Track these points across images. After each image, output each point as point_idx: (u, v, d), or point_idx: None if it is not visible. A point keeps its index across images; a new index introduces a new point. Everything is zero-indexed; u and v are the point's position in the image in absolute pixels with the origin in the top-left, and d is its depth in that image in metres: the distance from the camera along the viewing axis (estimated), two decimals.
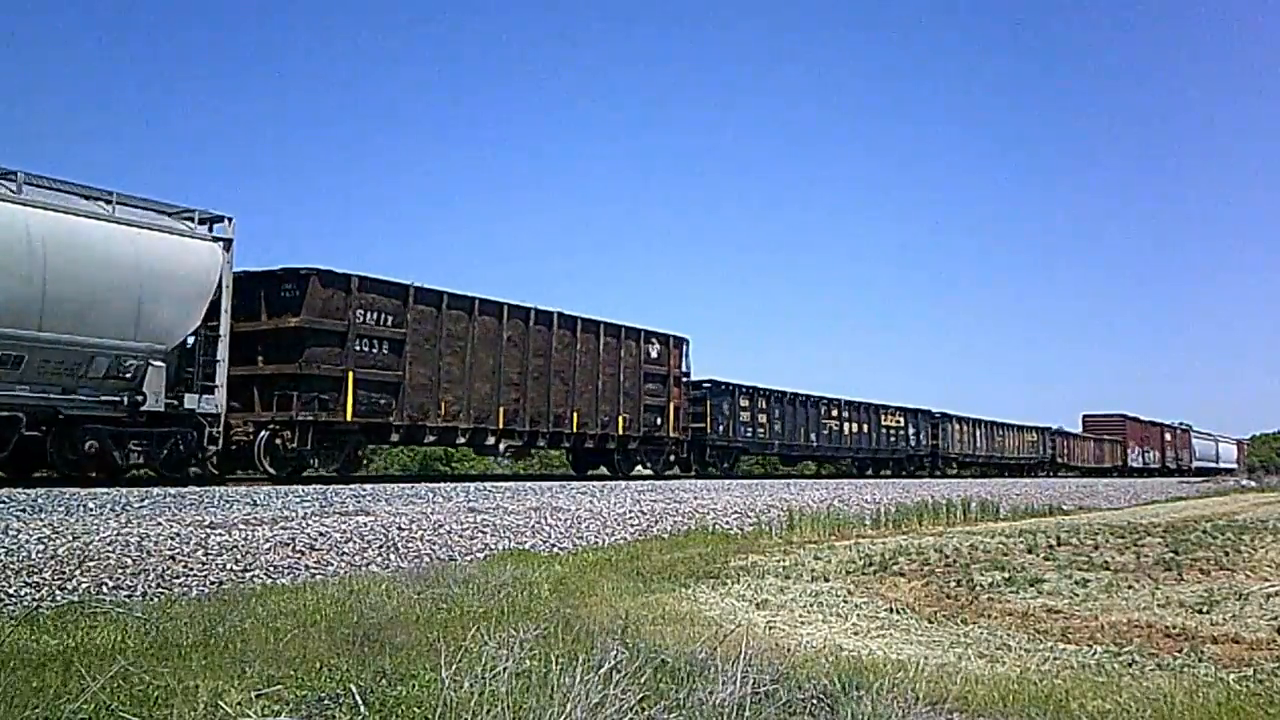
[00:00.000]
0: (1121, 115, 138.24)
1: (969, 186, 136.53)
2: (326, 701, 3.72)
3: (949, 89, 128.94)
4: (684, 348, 23.56)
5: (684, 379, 23.60)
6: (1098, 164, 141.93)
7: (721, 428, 26.04)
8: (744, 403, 27.14)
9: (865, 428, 33.59)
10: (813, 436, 30.57)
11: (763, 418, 27.88)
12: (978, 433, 42.10)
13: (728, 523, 14.12)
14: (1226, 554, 9.74)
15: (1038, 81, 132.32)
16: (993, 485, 27.68)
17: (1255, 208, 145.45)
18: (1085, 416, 59.88)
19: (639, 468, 23.30)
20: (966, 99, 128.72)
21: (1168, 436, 66.65)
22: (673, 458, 24.16)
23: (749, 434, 27.41)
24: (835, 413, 32.10)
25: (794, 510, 14.86)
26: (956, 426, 40.16)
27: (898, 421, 35.83)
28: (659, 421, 22.45)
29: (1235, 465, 77.28)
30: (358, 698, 3.63)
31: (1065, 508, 22.90)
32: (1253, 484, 47.09)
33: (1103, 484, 38.50)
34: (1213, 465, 73.29)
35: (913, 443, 36.66)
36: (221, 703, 3.57)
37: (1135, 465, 59.45)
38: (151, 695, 3.75)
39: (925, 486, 24.13)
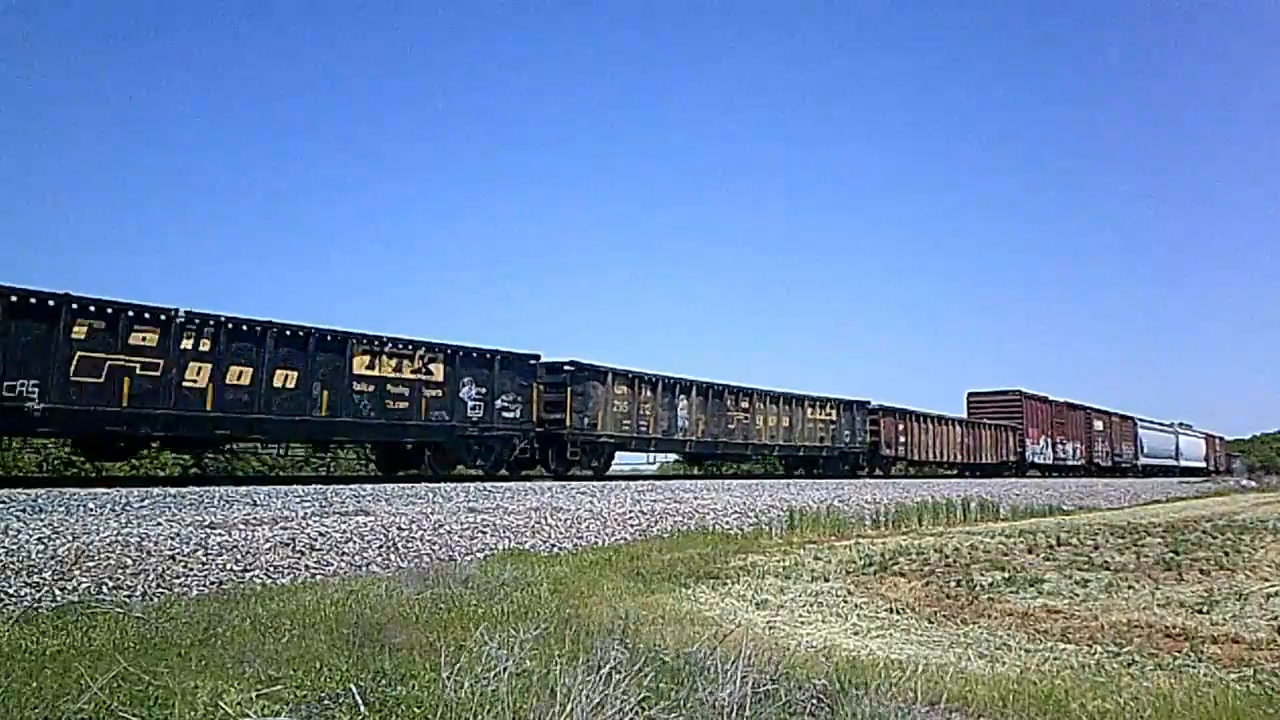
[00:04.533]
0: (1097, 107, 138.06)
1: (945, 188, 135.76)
2: (326, 701, 3.72)
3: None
4: None
5: None
6: (1086, 160, 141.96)
7: None
8: None
9: (298, 379, 15.43)
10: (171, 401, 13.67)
11: None
12: (681, 405, 24.27)
13: (728, 523, 14.13)
14: (1226, 554, 9.73)
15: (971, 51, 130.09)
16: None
17: (1251, 204, 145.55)
18: (970, 395, 44.03)
19: None
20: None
21: (1097, 425, 50.19)
22: None
23: None
24: (192, 341, 14.04)
25: (794, 510, 14.87)
26: (619, 390, 22.26)
27: (425, 371, 17.67)
28: None
29: (1203, 464, 65.97)
30: (358, 698, 3.63)
31: (1065, 508, 22.94)
32: (1253, 484, 47.13)
33: (1102, 484, 38.17)
34: (1170, 463, 59.11)
35: (475, 413, 18.53)
36: (221, 703, 3.57)
37: (1040, 461, 43.73)
38: (151, 695, 3.75)
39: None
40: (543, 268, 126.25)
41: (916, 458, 34.84)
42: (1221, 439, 76.88)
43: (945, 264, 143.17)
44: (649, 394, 23.33)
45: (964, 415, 40.46)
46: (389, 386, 17.01)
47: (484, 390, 18.83)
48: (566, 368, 21.20)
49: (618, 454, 25.85)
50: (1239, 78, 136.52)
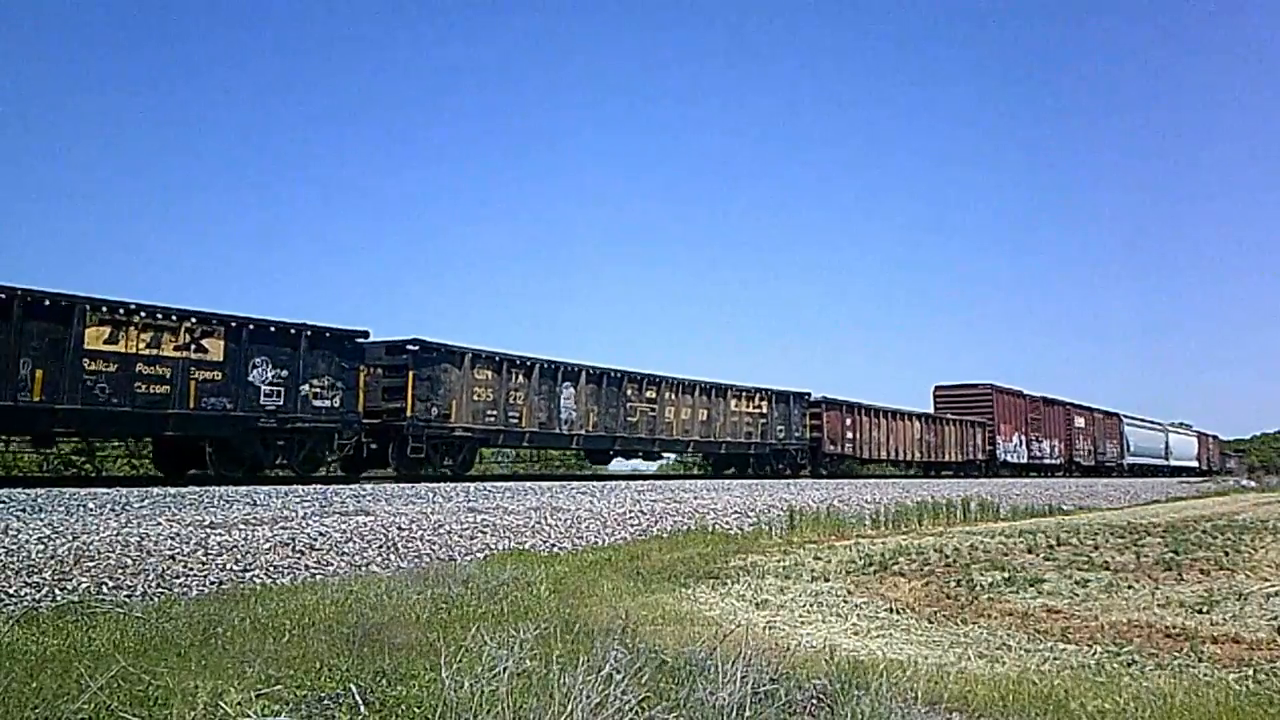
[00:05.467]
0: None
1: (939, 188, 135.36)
2: (326, 701, 3.72)
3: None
4: None
5: None
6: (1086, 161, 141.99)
7: None
8: None
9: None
10: None
11: None
12: (566, 393, 21.02)
13: (728, 523, 14.13)
14: (1226, 554, 9.74)
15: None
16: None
17: (1253, 203, 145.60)
18: (937, 388, 40.32)
19: None
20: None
21: (1078, 421, 46.77)
22: None
23: None
24: None
25: (794, 510, 14.88)
26: (482, 375, 19.07)
27: (196, 348, 14.22)
28: None
29: (1195, 463, 64.18)
30: (358, 698, 3.64)
31: (1065, 508, 22.95)
32: (1252, 484, 47.11)
33: (1101, 484, 38.17)
34: (1159, 462, 56.73)
35: (272, 400, 15.19)
36: (221, 703, 3.57)
37: (1013, 460, 40.43)
38: (151, 695, 3.75)
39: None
40: (529, 269, 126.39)
41: (867, 456, 31.38)
42: (1216, 438, 75.44)
43: (932, 258, 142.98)
44: (522, 380, 19.97)
45: (929, 410, 37.35)
46: (140, 366, 13.48)
47: (285, 373, 15.28)
48: (410, 347, 17.82)
49: (617, 456, 23.80)
50: (1236, 74, 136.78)
